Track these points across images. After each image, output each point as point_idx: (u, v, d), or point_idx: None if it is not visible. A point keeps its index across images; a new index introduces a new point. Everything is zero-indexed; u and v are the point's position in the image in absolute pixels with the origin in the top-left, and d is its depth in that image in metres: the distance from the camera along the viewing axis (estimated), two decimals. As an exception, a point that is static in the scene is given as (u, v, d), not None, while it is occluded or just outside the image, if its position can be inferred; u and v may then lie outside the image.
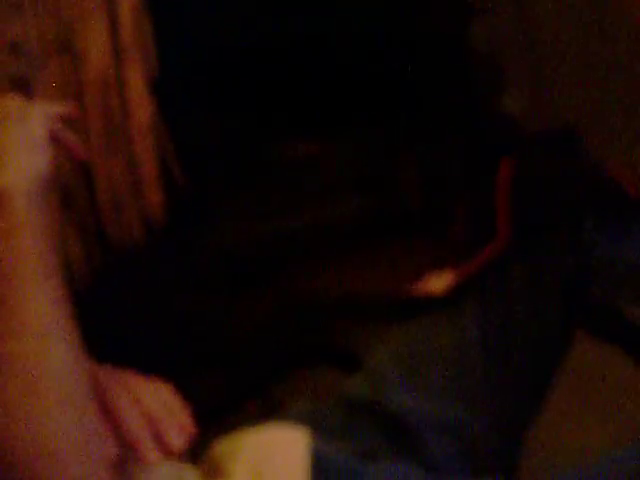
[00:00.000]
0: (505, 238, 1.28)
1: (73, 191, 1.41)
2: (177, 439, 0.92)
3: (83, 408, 0.84)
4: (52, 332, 0.83)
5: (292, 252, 1.48)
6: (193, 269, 1.46)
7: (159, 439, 0.93)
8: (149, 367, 1.31)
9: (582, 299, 1.24)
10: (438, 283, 1.28)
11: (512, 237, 1.28)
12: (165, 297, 1.45)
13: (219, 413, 1.33)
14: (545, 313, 1.25)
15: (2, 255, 0.82)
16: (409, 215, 1.49)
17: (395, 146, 1.54)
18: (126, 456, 0.93)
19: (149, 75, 1.40)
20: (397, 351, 1.26)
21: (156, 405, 0.95)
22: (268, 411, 1.29)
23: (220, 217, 1.49)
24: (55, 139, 0.91)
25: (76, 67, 1.38)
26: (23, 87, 1.29)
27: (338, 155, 1.55)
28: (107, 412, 0.92)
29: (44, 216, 0.85)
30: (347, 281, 1.43)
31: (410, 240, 1.47)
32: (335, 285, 1.42)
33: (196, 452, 1.12)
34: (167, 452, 0.92)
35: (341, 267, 1.44)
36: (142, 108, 1.40)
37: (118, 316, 1.44)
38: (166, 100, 1.43)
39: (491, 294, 1.27)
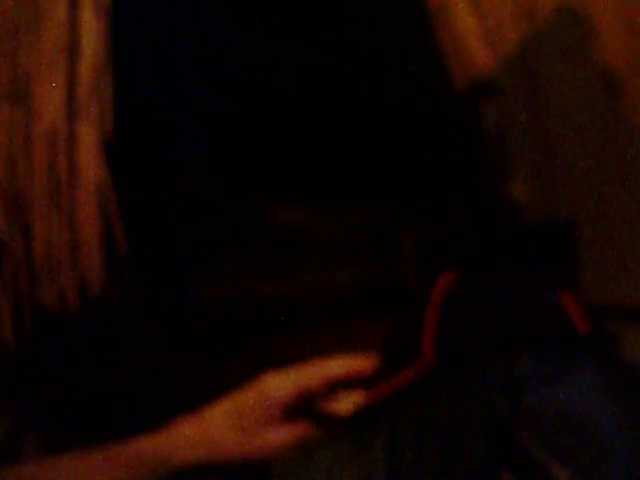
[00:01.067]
0: (428, 362, 1.12)
1: (8, 248, 1.35)
2: None
3: None
4: None
5: (278, 318, 1.41)
6: (172, 329, 1.39)
7: None
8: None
9: (509, 443, 1.09)
10: (344, 403, 1.13)
11: (436, 362, 1.12)
12: (137, 354, 1.38)
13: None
14: (464, 453, 1.09)
15: None
16: (403, 291, 1.40)
17: (396, 221, 1.48)
18: None
19: (103, 135, 1.35)
20: (292, 477, 1.11)
21: None
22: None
23: (205, 279, 1.42)
24: None
25: (27, 118, 1.34)
26: None
27: (338, 223, 1.49)
28: None
29: None
30: (324, 352, 1.33)
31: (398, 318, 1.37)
32: (313, 354, 1.32)
33: None
34: None
35: (325, 335, 1.35)
36: (91, 168, 1.35)
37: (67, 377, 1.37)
38: (120, 162, 1.37)
39: (404, 427, 1.11)
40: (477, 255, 1.37)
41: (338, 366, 1.10)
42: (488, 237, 1.40)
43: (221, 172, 1.46)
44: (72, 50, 1.34)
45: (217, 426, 1.08)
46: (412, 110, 1.53)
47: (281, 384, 1.08)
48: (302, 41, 1.53)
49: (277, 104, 1.49)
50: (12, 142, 1.34)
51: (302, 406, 1.07)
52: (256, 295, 1.44)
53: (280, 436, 1.06)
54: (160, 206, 1.47)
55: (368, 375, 1.10)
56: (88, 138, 1.34)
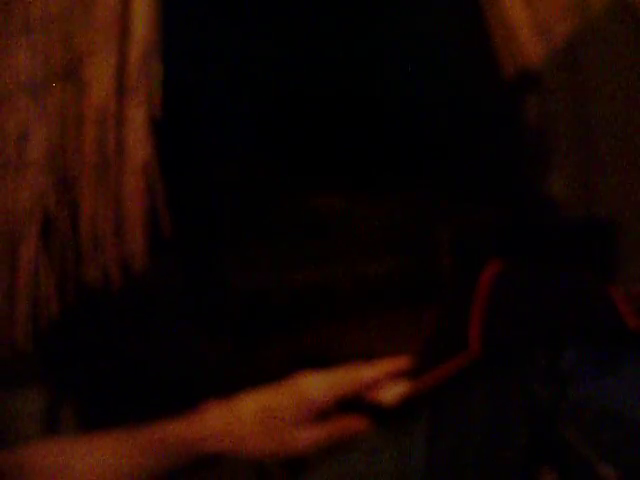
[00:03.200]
0: (474, 352, 1.12)
1: (55, 223, 1.37)
2: None
3: None
4: None
5: (312, 305, 1.41)
6: (206, 312, 1.41)
7: None
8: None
9: (551, 437, 1.09)
10: (391, 393, 1.13)
11: (481, 352, 1.12)
12: (171, 335, 1.39)
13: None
14: (505, 444, 1.08)
15: None
16: (436, 284, 1.40)
17: (432, 213, 1.48)
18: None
19: (151, 115, 1.36)
20: (332, 471, 1.11)
21: None
22: None
23: (242, 265, 1.44)
24: None
25: (78, 97, 1.36)
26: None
27: (374, 213, 1.49)
28: None
29: None
30: (356, 342, 1.34)
31: (432, 310, 1.37)
32: (345, 344, 1.33)
33: None
34: None
35: (357, 325, 1.36)
36: (139, 148, 1.37)
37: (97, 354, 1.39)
38: (167, 143, 1.39)
39: (445, 415, 1.11)
40: (513, 250, 1.37)
41: (375, 370, 1.10)
42: (525, 232, 1.40)
43: (260, 159, 1.47)
44: (123, 31, 1.36)
45: (247, 420, 1.08)
46: (454, 102, 1.53)
47: (317, 386, 1.07)
48: (345, 31, 1.53)
49: (319, 93, 1.50)
50: (63, 120, 1.36)
51: (344, 400, 1.08)
52: (290, 283, 1.45)
53: (310, 437, 1.06)
54: (201, 190, 1.48)
55: (407, 374, 1.10)
56: (136, 117, 1.36)
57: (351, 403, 1.08)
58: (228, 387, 1.17)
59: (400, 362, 1.09)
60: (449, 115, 1.52)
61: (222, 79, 1.44)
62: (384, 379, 1.08)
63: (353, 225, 1.52)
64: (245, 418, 1.07)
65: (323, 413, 1.06)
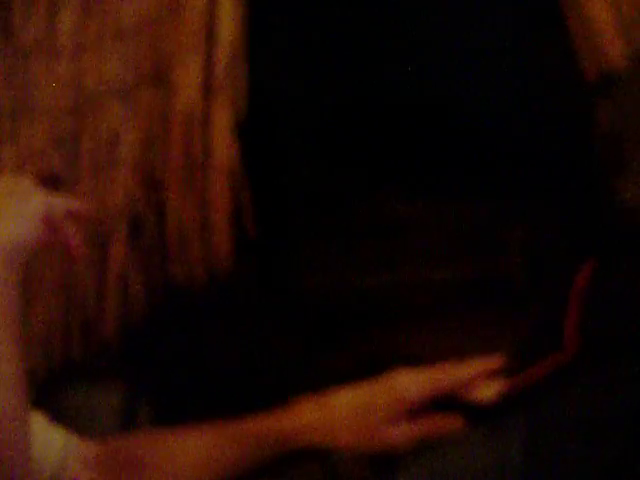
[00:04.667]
0: (571, 351, 1.12)
1: (143, 223, 1.40)
2: None
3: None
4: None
5: (382, 310, 1.42)
6: (277, 314, 1.43)
7: None
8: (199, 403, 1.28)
9: None
10: (486, 391, 1.13)
11: (579, 352, 1.12)
12: (244, 335, 1.41)
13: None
14: (605, 443, 1.07)
15: None
16: (507, 293, 1.39)
17: (504, 219, 1.47)
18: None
19: (236, 117, 1.39)
20: (428, 467, 1.11)
21: None
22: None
23: (314, 267, 1.45)
24: (52, 227, 0.96)
25: (166, 100, 1.39)
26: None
27: (446, 218, 1.49)
28: None
29: (13, 280, 0.93)
30: (426, 347, 1.34)
31: (498, 320, 1.37)
32: (415, 348, 1.33)
33: None
34: None
35: (427, 331, 1.36)
36: (224, 149, 1.39)
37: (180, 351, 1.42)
38: (252, 144, 1.41)
39: (543, 414, 1.11)
40: (586, 254, 1.35)
41: (470, 368, 1.09)
42: (596, 238, 1.37)
43: (338, 163, 1.48)
44: (210, 35, 1.38)
45: (341, 416, 1.09)
46: (529, 104, 1.51)
47: (412, 383, 1.07)
48: (419, 36, 1.54)
49: (398, 100, 1.50)
50: (151, 122, 1.39)
51: (439, 397, 1.08)
52: (360, 286, 1.45)
53: (403, 434, 1.07)
54: (280, 191, 1.50)
55: (503, 372, 1.10)
56: (222, 119, 1.38)
57: (446, 401, 1.08)
58: (300, 386, 1.19)
59: (496, 361, 1.09)
60: (523, 118, 1.51)
61: (305, 82, 1.45)
62: (479, 377, 1.08)
63: (426, 229, 1.52)
64: (339, 413, 1.08)
65: (417, 410, 1.06)
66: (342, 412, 1.08)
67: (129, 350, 1.46)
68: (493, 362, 1.09)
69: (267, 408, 1.14)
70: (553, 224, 1.46)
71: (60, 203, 0.99)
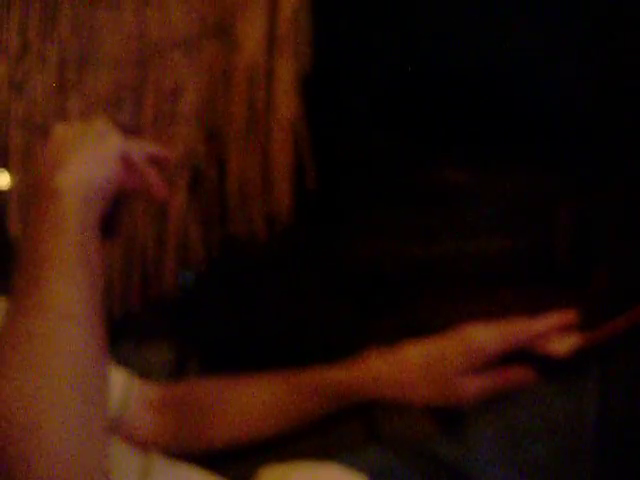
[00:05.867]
0: None
1: (203, 175, 1.40)
2: None
3: (91, 401, 0.84)
4: (75, 317, 0.86)
5: (428, 279, 1.40)
6: (327, 276, 1.42)
7: None
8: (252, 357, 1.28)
9: None
10: (561, 345, 1.12)
11: None
12: (294, 296, 1.41)
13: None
14: None
15: (45, 240, 0.88)
16: (555, 266, 1.36)
17: (556, 195, 1.44)
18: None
19: (300, 71, 1.37)
20: (500, 419, 1.10)
21: None
22: (329, 448, 1.18)
23: (363, 231, 1.44)
24: (132, 168, 0.95)
25: (229, 53, 1.38)
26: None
27: (494, 191, 1.47)
28: None
29: (90, 222, 0.91)
30: (467, 318, 1.33)
31: (548, 292, 1.34)
32: (455, 320, 1.32)
33: (244, 477, 1.06)
34: None
35: (472, 301, 1.34)
36: (287, 103, 1.38)
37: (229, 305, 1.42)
38: (314, 100, 1.39)
39: (619, 370, 1.09)
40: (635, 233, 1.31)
41: (545, 323, 1.08)
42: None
43: (392, 128, 1.46)
44: (275, -13, 1.37)
45: (412, 368, 1.08)
46: (581, 82, 1.48)
47: (487, 336, 1.06)
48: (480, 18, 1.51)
49: (450, 69, 1.48)
50: (214, 76, 1.39)
51: (513, 351, 1.06)
52: (406, 254, 1.44)
53: (476, 386, 1.05)
54: (336, 151, 1.48)
55: (578, 328, 1.08)
56: (286, 73, 1.37)
57: (520, 355, 1.06)
58: (347, 349, 1.18)
59: (571, 316, 1.07)
60: (579, 98, 1.47)
61: (369, 41, 1.43)
62: (554, 331, 1.06)
63: (476, 199, 1.49)
64: (410, 365, 1.07)
65: (490, 363, 1.05)
66: (413, 365, 1.08)
67: (185, 304, 1.46)
68: (568, 317, 1.07)
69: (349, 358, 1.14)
70: (604, 202, 1.43)
71: (139, 145, 0.99)
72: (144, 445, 1.13)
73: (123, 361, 1.25)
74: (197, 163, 1.39)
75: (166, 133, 1.40)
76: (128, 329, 1.43)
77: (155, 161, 0.99)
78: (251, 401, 1.14)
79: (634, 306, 1.07)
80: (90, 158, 0.93)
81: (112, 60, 1.40)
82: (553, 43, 1.48)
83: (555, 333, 1.09)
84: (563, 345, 1.09)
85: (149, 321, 1.45)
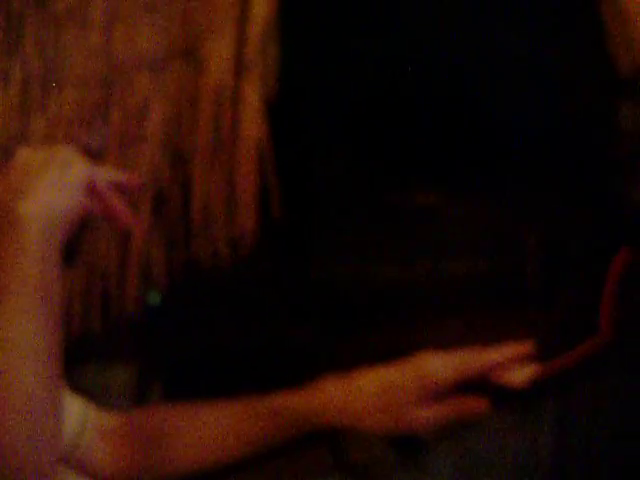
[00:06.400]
0: (605, 338, 1.11)
1: (167, 197, 1.39)
2: None
3: (43, 434, 0.85)
4: (31, 352, 0.85)
5: (394, 302, 1.41)
6: (291, 299, 1.41)
7: None
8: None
9: None
10: (518, 375, 1.12)
11: (614, 340, 1.11)
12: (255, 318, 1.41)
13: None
14: (635, 442, 1.06)
15: (5, 271, 0.87)
16: (522, 289, 1.37)
17: (522, 216, 1.45)
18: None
19: (266, 95, 1.37)
20: (457, 448, 1.10)
21: None
22: (285, 477, 1.18)
23: (327, 254, 1.44)
24: (96, 195, 0.94)
25: (196, 75, 1.38)
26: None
27: (460, 212, 1.48)
28: None
29: (52, 252, 0.89)
30: (436, 340, 1.33)
31: (513, 316, 1.35)
32: (424, 341, 1.32)
33: None
34: None
35: (442, 322, 1.34)
36: (253, 126, 1.37)
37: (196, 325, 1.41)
38: (279, 125, 1.39)
39: (576, 401, 1.10)
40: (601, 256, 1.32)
41: (501, 353, 1.08)
42: (615, 238, 1.35)
43: (358, 153, 1.46)
44: (242, 11, 1.37)
45: (366, 395, 1.08)
46: (551, 102, 1.49)
47: (440, 365, 1.05)
48: (444, 32, 1.52)
49: (421, 93, 1.49)
50: (181, 97, 1.38)
51: (469, 380, 1.07)
52: (374, 278, 1.44)
53: (430, 416, 1.05)
54: (305, 175, 1.48)
55: (534, 358, 1.09)
56: (252, 96, 1.37)
57: (476, 385, 1.07)
58: (314, 371, 1.18)
59: (527, 346, 1.08)
60: (545, 116, 1.49)
61: (335, 66, 1.44)
62: (510, 362, 1.07)
63: (443, 223, 1.50)
64: (365, 393, 1.07)
65: (445, 393, 1.05)
66: (369, 392, 1.07)
67: (147, 326, 1.45)
68: (524, 347, 1.07)
69: (280, 390, 1.13)
70: (572, 222, 1.44)
71: (104, 172, 0.97)
72: (101, 477, 1.11)
73: (82, 384, 1.23)
74: (162, 184, 1.39)
75: (130, 154, 1.39)
76: (89, 350, 1.42)
77: (120, 188, 0.98)
78: (210, 428, 1.13)
79: (590, 338, 1.08)
80: (55, 186, 0.92)
81: (77, 79, 1.38)
82: (523, 69, 1.50)
83: (512, 363, 1.10)
84: (519, 376, 1.10)
85: (110, 342, 1.44)
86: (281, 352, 1.40)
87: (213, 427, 1.13)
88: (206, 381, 1.41)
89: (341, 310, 1.44)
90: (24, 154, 0.94)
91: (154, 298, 1.42)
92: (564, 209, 1.47)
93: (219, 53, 1.36)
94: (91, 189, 0.94)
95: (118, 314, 1.41)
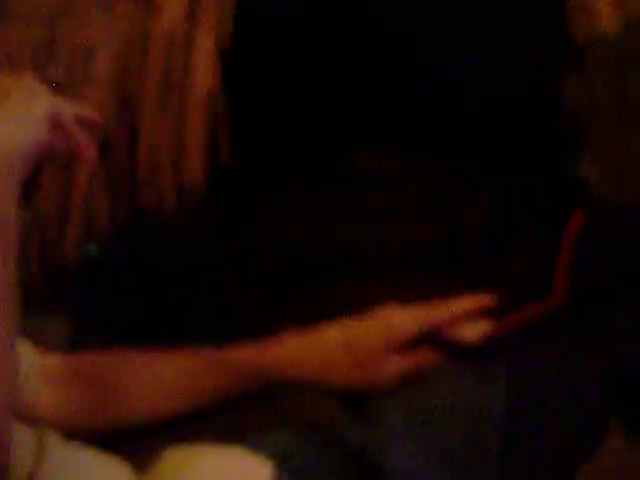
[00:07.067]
0: (558, 298, 1.12)
1: (113, 143, 1.35)
2: None
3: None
4: None
5: (337, 265, 1.39)
6: (239, 255, 1.38)
7: None
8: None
9: (625, 389, 1.06)
10: (472, 331, 1.13)
11: (567, 300, 1.12)
12: (196, 273, 1.37)
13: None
14: (585, 396, 1.07)
15: None
16: (465, 254, 1.36)
17: (466, 184, 1.46)
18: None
19: (220, 43, 1.34)
20: (409, 402, 1.10)
21: None
22: (234, 429, 1.14)
23: (274, 212, 1.42)
24: (60, 128, 0.89)
25: (147, 15, 1.33)
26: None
27: (409, 177, 1.47)
28: None
29: (12, 188, 0.83)
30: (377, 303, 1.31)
31: (458, 280, 1.34)
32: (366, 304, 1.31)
33: (144, 459, 1.02)
34: None
35: (378, 290, 1.32)
36: (205, 74, 1.34)
37: (134, 278, 1.37)
38: (232, 74, 1.36)
39: (526, 359, 1.10)
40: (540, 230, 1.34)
41: (457, 308, 1.10)
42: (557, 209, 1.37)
43: (305, 110, 1.44)
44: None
45: (331, 348, 1.10)
46: (502, 72, 1.50)
47: (405, 318, 1.08)
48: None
49: (372, 57, 1.48)
50: (131, 40, 1.34)
51: (426, 334, 1.07)
52: (319, 238, 1.43)
53: (394, 367, 1.06)
54: (253, 129, 1.45)
55: (490, 314, 1.10)
56: (205, 43, 1.33)
57: (433, 338, 1.08)
58: (254, 331, 1.16)
59: (484, 301, 1.09)
60: (492, 83, 1.49)
61: (294, 16, 1.41)
62: (466, 316, 1.07)
63: (387, 187, 1.50)
64: (330, 346, 1.07)
65: (407, 345, 1.05)
66: (331, 345, 1.09)
67: (86, 278, 1.41)
68: (483, 301, 1.08)
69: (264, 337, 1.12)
70: (517, 190, 1.45)
71: (68, 105, 0.94)
72: (43, 422, 1.07)
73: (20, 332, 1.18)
74: (108, 129, 1.34)
75: (76, 96, 1.34)
76: (26, 302, 1.36)
77: (83, 123, 0.95)
78: (166, 376, 1.10)
79: (545, 295, 1.09)
80: (18, 117, 0.87)
81: (23, 15, 1.33)
82: (475, 34, 1.50)
83: (467, 318, 1.11)
84: (474, 331, 1.11)
85: (48, 293, 1.39)
86: (224, 307, 1.37)
87: (169, 375, 1.11)
88: (147, 335, 1.37)
89: (287, 269, 1.42)
90: None
91: (92, 250, 1.37)
92: (510, 177, 1.47)
93: (172, -5, 1.33)
94: (55, 122, 0.90)
95: (57, 265, 1.36)
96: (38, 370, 1.09)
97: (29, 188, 0.92)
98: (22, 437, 0.99)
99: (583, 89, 1.39)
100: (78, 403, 1.10)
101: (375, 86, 1.48)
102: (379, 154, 1.49)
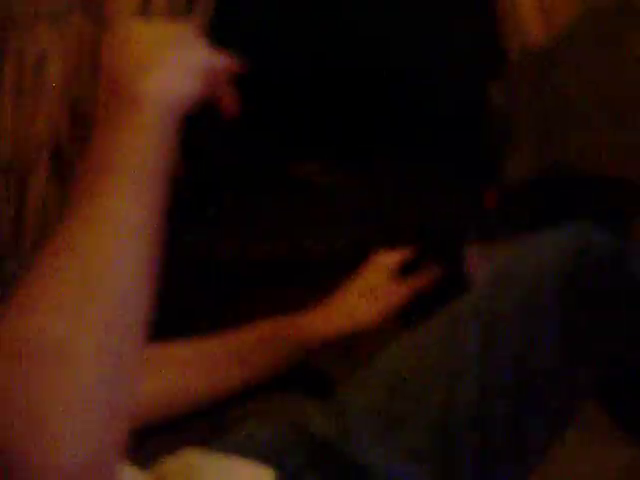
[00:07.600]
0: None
1: (66, 156, 1.35)
2: None
3: (125, 343, 0.70)
4: (133, 234, 0.73)
5: (283, 274, 1.42)
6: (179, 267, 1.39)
7: None
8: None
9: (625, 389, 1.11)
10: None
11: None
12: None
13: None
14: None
15: (116, 149, 0.77)
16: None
17: (399, 185, 1.51)
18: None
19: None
20: (378, 401, 1.09)
21: None
22: (219, 430, 1.16)
23: (223, 221, 1.43)
24: (211, 82, 0.90)
25: (97, 29, 1.34)
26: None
27: (352, 186, 1.51)
28: None
29: (167, 137, 0.81)
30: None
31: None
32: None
33: (143, 464, 1.02)
34: None
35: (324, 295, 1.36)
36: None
37: None
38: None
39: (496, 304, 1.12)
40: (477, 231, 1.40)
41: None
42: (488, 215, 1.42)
43: (252, 121, 1.47)
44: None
45: (355, 301, 1.27)
46: (440, 75, 1.55)
47: (389, 257, 1.32)
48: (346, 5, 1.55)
49: (312, 64, 1.51)
50: (80, 52, 1.34)
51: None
52: (260, 251, 1.45)
53: (400, 292, 1.29)
54: (199, 142, 1.47)
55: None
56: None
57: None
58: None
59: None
60: (428, 88, 1.54)
61: (262, 23, 1.44)
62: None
63: (330, 195, 1.54)
64: (355, 301, 1.28)
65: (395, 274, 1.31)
66: (355, 299, 1.26)
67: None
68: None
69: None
70: (449, 205, 1.49)
71: (222, 60, 0.93)
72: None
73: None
74: (60, 141, 1.34)
75: (27, 107, 1.34)
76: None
77: (230, 77, 0.95)
78: (216, 356, 1.17)
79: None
80: (179, 66, 0.84)
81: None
82: (406, 41, 1.54)
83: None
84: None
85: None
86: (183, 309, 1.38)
87: (219, 356, 1.15)
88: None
89: (234, 278, 1.44)
90: (138, 27, 0.86)
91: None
92: (440, 188, 1.52)
93: (124, 6, 1.33)
94: (209, 77, 0.89)
95: (11, 277, 1.35)
96: None
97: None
98: None
99: (508, 92, 1.45)
100: (159, 388, 1.12)
101: (315, 92, 1.51)
102: (317, 166, 1.53)
